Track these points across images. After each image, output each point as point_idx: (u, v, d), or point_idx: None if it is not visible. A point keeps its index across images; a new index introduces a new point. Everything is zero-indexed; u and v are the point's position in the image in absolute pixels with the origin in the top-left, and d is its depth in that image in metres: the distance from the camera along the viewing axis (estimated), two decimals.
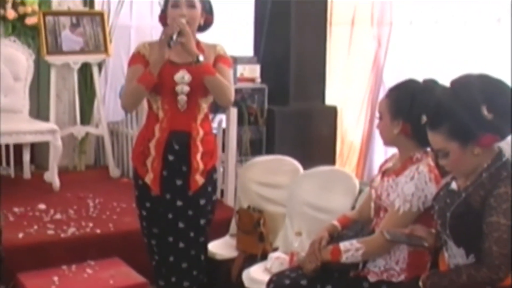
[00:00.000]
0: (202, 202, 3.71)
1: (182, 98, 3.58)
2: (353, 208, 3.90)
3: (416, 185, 3.01)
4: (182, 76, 3.57)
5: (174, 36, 3.46)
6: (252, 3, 6.64)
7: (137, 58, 3.66)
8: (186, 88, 3.57)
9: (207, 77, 3.55)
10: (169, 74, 3.56)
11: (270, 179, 4.64)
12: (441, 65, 5.64)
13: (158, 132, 3.62)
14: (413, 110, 3.01)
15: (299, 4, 6.19)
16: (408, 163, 3.10)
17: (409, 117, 3.04)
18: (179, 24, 3.49)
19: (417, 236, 2.89)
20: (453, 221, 2.70)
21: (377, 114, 3.22)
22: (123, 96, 3.72)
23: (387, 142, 3.21)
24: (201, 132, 3.64)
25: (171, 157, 3.62)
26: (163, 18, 3.72)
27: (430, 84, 3.04)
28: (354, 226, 3.37)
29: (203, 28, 3.71)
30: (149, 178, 3.65)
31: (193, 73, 3.56)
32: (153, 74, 3.52)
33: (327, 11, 6.48)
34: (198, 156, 3.65)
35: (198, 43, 3.65)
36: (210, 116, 3.89)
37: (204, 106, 3.66)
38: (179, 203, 3.66)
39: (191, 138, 3.62)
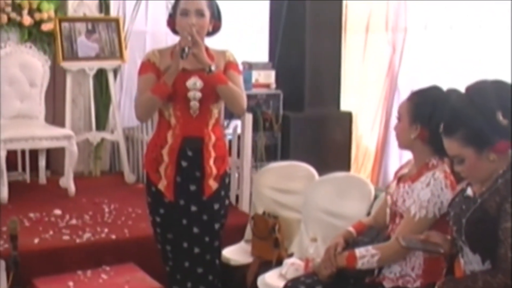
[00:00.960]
0: (216, 206, 3.73)
1: (195, 104, 3.60)
2: (368, 214, 3.90)
3: (432, 191, 3.01)
4: (194, 83, 3.59)
5: (186, 48, 3.49)
6: (268, 9, 6.65)
7: (148, 66, 3.66)
8: (198, 94, 3.59)
9: (219, 86, 3.58)
10: (181, 81, 3.58)
11: (285, 185, 4.64)
12: (456, 71, 5.63)
13: (171, 139, 3.64)
14: (433, 117, 3.00)
15: (314, 10, 6.20)
16: (424, 170, 3.10)
17: (428, 123, 3.04)
18: (191, 34, 3.51)
19: (432, 243, 2.89)
20: (468, 227, 2.69)
21: (394, 115, 3.22)
22: (137, 107, 3.70)
23: (403, 145, 3.20)
24: (213, 137, 3.66)
25: (184, 163, 3.64)
26: (171, 23, 3.74)
27: (453, 94, 3.03)
28: (370, 232, 3.37)
29: (211, 33, 3.73)
30: (162, 185, 3.67)
31: (204, 79, 3.59)
32: (168, 85, 3.54)
33: (342, 17, 6.48)
34: (211, 161, 3.67)
35: (206, 49, 3.66)
36: (225, 122, 3.93)
37: (215, 111, 3.69)
38: (193, 208, 3.67)
39: (203, 144, 3.64)
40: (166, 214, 3.71)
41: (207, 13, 3.61)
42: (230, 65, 3.70)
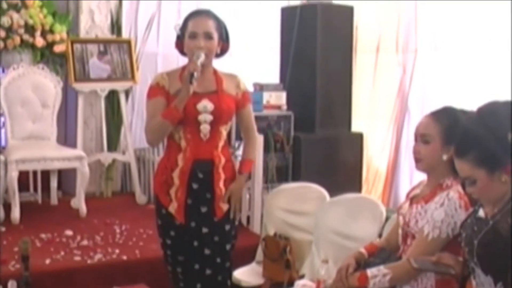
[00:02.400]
0: (227, 227, 3.72)
1: (205, 127, 3.59)
2: (379, 235, 3.89)
3: (446, 211, 3.00)
4: (205, 106, 3.58)
5: (195, 73, 3.48)
6: (278, 30, 6.67)
7: (156, 90, 3.63)
8: (209, 117, 3.59)
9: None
10: (191, 104, 3.56)
11: (296, 206, 4.63)
12: (467, 91, 5.63)
13: (181, 162, 3.62)
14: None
15: (325, 31, 6.23)
16: (437, 190, 3.09)
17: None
18: (198, 58, 3.54)
19: (444, 264, 2.88)
20: (480, 249, 2.68)
21: (404, 136, 3.20)
22: (148, 132, 3.65)
23: (427, 167, 3.16)
24: (222, 159, 3.66)
25: (195, 185, 3.62)
26: (179, 46, 3.74)
27: (464, 115, 3.03)
28: (381, 253, 3.36)
29: (219, 55, 3.74)
30: (173, 208, 3.64)
31: (215, 102, 3.60)
32: (179, 110, 3.52)
33: (352, 38, 6.50)
34: (221, 183, 3.67)
35: (215, 72, 3.69)
36: (237, 143, 3.95)
37: (224, 133, 3.71)
38: (204, 230, 3.65)
39: (214, 166, 3.64)
40: (177, 236, 3.69)
41: (215, 35, 3.63)
42: (246, 96, 3.78)
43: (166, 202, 3.67)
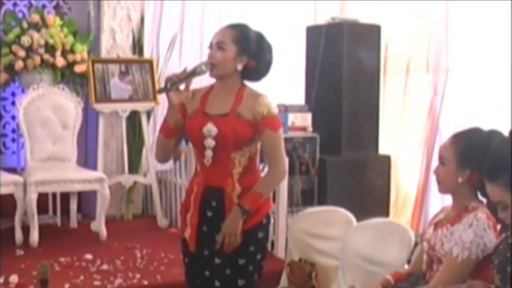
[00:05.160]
0: (241, 261, 3.50)
1: (208, 153, 3.42)
2: (408, 261, 3.88)
3: (475, 232, 2.99)
4: (209, 130, 3.40)
5: (169, 84, 3.32)
6: (304, 50, 6.70)
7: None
8: (212, 143, 3.40)
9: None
10: (199, 126, 3.43)
11: (322, 231, 4.63)
12: (500, 114, 5.61)
13: (195, 187, 3.52)
14: (483, 161, 2.99)
15: (351, 51, 6.25)
16: (463, 212, 3.09)
17: (478, 167, 3.02)
18: (196, 68, 3.39)
19: None
20: None
21: (435, 158, 3.20)
22: (155, 146, 3.69)
23: (446, 189, 3.18)
24: (238, 188, 3.44)
25: (209, 213, 3.49)
26: None
27: (496, 137, 3.03)
28: (410, 278, 3.35)
29: (250, 75, 3.51)
30: (187, 233, 3.55)
31: (219, 126, 3.40)
32: (168, 122, 3.43)
33: (380, 58, 6.51)
34: None
35: (239, 91, 3.48)
36: (260, 166, 3.74)
37: (242, 159, 3.45)
38: (217, 260, 3.49)
39: (225, 195, 3.44)
40: (190, 264, 3.61)
41: (230, 47, 3.41)
42: (265, 121, 3.41)
43: (183, 226, 3.60)
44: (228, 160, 3.42)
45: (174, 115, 3.43)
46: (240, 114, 3.41)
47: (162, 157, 3.67)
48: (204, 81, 3.65)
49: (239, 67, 3.44)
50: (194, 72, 3.38)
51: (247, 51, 3.44)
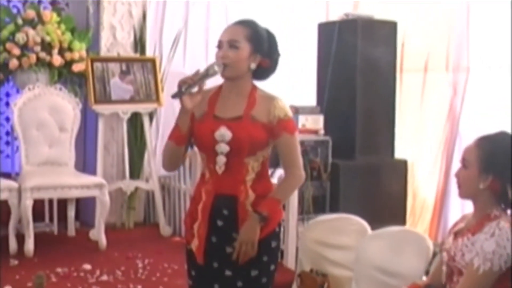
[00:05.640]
0: (253, 273, 3.48)
1: (221, 159, 3.39)
2: (426, 272, 3.87)
3: (497, 242, 2.98)
4: (222, 134, 3.36)
5: (184, 87, 3.26)
6: (315, 48, 6.70)
7: None
8: (226, 148, 3.37)
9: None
10: (210, 130, 3.39)
11: (334, 240, 4.62)
12: None
13: (204, 195, 3.47)
14: (508, 168, 2.98)
15: (366, 48, 6.23)
16: (485, 220, 3.07)
17: (501, 174, 3.01)
18: (208, 69, 3.32)
19: None
20: None
21: (455, 163, 3.18)
22: (162, 155, 3.56)
23: (466, 194, 3.17)
24: (251, 196, 3.42)
25: (220, 223, 3.45)
26: None
27: None
28: None
29: (261, 74, 3.50)
30: (194, 245, 3.49)
31: (234, 131, 3.36)
32: (181, 129, 3.38)
33: (396, 57, 6.50)
34: None
35: (252, 93, 3.46)
36: (270, 171, 3.72)
37: (255, 165, 3.44)
38: (227, 273, 3.46)
39: (238, 203, 3.42)
40: (197, 277, 3.55)
41: (244, 45, 3.38)
42: (282, 125, 3.41)
43: (189, 237, 3.55)
44: (241, 166, 3.40)
45: (187, 120, 3.38)
46: (254, 117, 3.39)
47: (171, 166, 3.61)
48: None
49: (253, 66, 3.41)
50: (207, 74, 3.33)
51: (260, 49, 3.42)
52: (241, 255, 3.36)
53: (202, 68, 3.39)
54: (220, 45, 3.40)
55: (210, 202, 3.44)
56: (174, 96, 3.27)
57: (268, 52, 3.45)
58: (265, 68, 3.47)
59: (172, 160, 3.51)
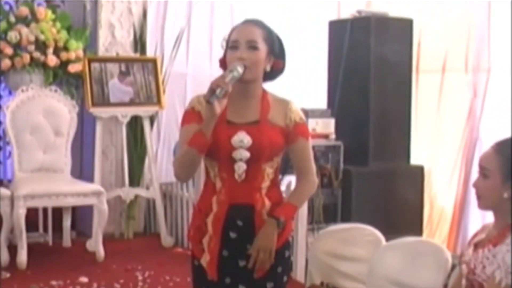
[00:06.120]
0: (269, 286, 3.48)
1: (241, 166, 3.38)
2: (445, 286, 3.86)
3: None
4: (241, 140, 3.36)
5: (218, 90, 3.21)
6: (326, 49, 6.69)
7: (192, 115, 3.45)
8: (246, 154, 3.37)
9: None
10: (225, 137, 3.37)
11: (346, 251, 4.61)
12: None
13: (215, 206, 3.44)
14: None
15: (380, 48, 6.22)
16: (507, 231, 3.05)
17: None
18: (232, 71, 3.39)
19: None
20: None
21: (475, 169, 3.16)
22: (175, 163, 3.48)
23: (488, 205, 3.15)
24: (267, 204, 3.42)
25: (233, 235, 3.42)
26: (223, 62, 3.61)
27: None
28: None
29: (270, 75, 3.50)
30: (205, 260, 3.45)
31: (254, 136, 3.36)
32: (205, 135, 3.32)
33: (412, 57, 6.49)
34: None
35: (264, 96, 3.47)
36: (279, 177, 3.72)
37: (270, 171, 3.45)
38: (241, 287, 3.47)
39: (255, 213, 3.41)
40: None
41: (263, 47, 3.39)
42: (298, 128, 3.46)
43: (198, 252, 3.52)
44: (259, 173, 3.40)
45: (212, 126, 3.32)
46: (271, 121, 3.40)
47: (187, 175, 3.59)
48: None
49: (268, 68, 3.43)
50: (233, 77, 3.29)
51: (273, 50, 3.45)
52: (258, 263, 3.34)
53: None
54: (236, 46, 3.38)
55: (224, 213, 3.41)
56: (209, 100, 3.22)
57: (279, 54, 3.48)
58: (276, 70, 3.49)
59: (191, 169, 3.45)
